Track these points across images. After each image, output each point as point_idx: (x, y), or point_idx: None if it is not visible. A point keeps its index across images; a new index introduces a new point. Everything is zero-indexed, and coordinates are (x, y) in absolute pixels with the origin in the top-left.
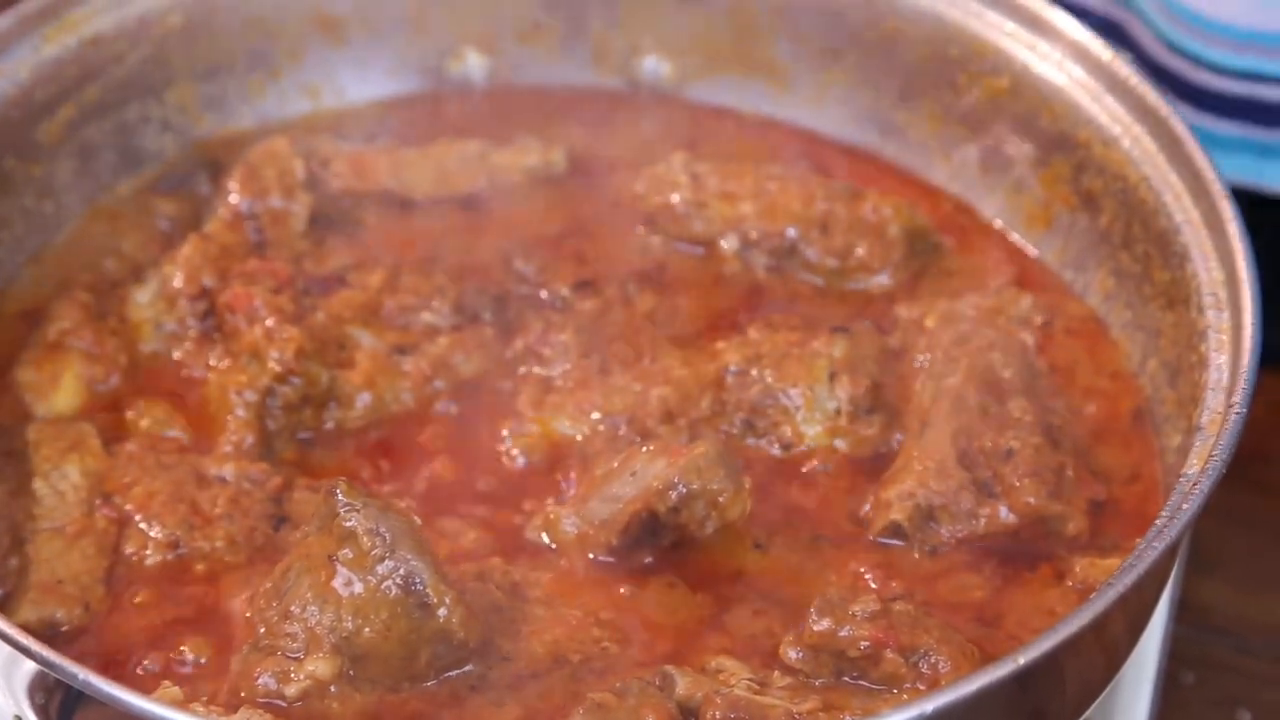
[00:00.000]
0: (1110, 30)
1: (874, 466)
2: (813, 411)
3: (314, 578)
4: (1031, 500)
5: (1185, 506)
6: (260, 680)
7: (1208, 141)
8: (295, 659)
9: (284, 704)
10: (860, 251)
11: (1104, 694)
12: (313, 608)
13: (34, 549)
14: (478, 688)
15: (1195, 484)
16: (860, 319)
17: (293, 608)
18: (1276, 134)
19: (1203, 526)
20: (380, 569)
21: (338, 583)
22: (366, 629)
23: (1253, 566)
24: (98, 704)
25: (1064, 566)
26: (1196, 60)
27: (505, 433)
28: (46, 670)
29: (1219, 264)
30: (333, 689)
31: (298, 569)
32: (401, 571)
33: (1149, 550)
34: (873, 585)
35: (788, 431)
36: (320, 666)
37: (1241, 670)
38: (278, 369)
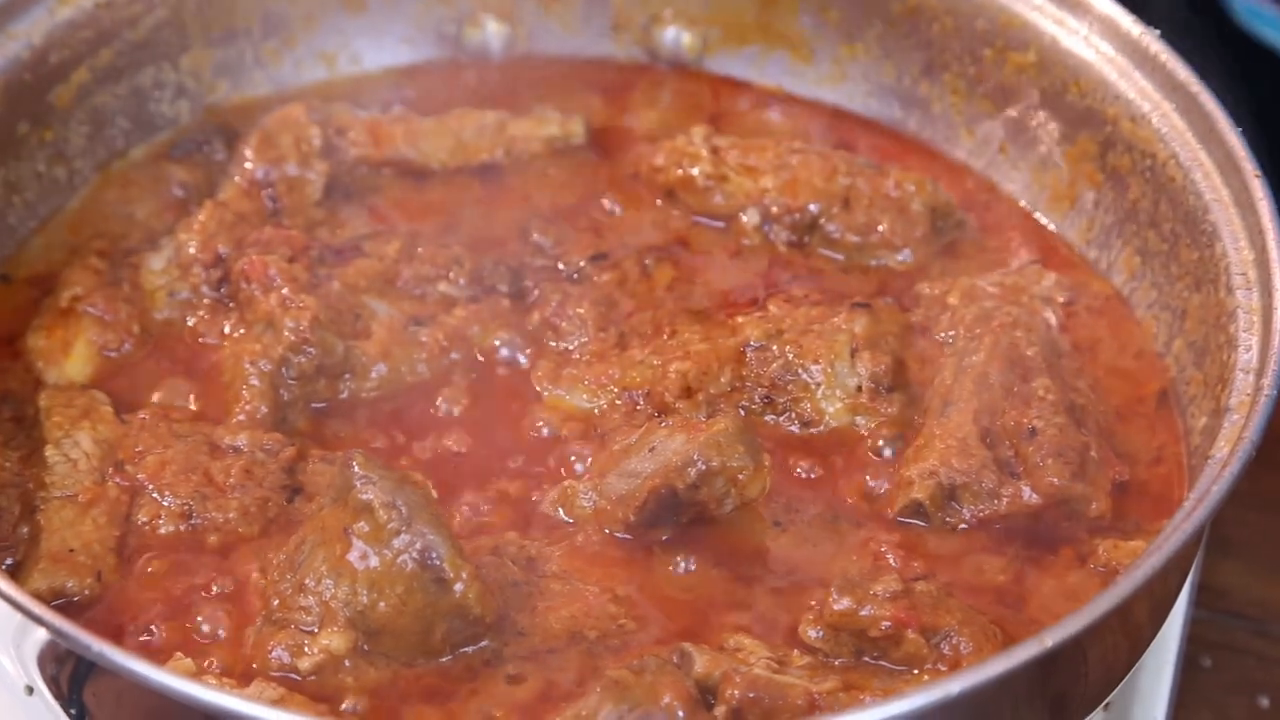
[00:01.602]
0: None
1: (895, 444)
2: (833, 388)
3: (329, 550)
4: (1055, 480)
5: (1214, 489)
6: (274, 653)
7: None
8: (309, 632)
9: (298, 677)
10: (883, 228)
11: (1125, 678)
12: (327, 581)
13: (45, 517)
14: (493, 663)
15: (1224, 466)
16: (882, 295)
17: (307, 580)
18: None
19: (1222, 509)
20: (396, 542)
21: (353, 556)
22: (382, 603)
23: (1272, 550)
24: (109, 674)
25: (1086, 549)
26: None
27: (521, 405)
28: (58, 639)
29: (1249, 243)
30: (347, 663)
31: (312, 541)
32: (418, 545)
33: (1176, 533)
34: (893, 565)
35: (808, 408)
36: (335, 640)
37: (1260, 654)
38: (292, 338)
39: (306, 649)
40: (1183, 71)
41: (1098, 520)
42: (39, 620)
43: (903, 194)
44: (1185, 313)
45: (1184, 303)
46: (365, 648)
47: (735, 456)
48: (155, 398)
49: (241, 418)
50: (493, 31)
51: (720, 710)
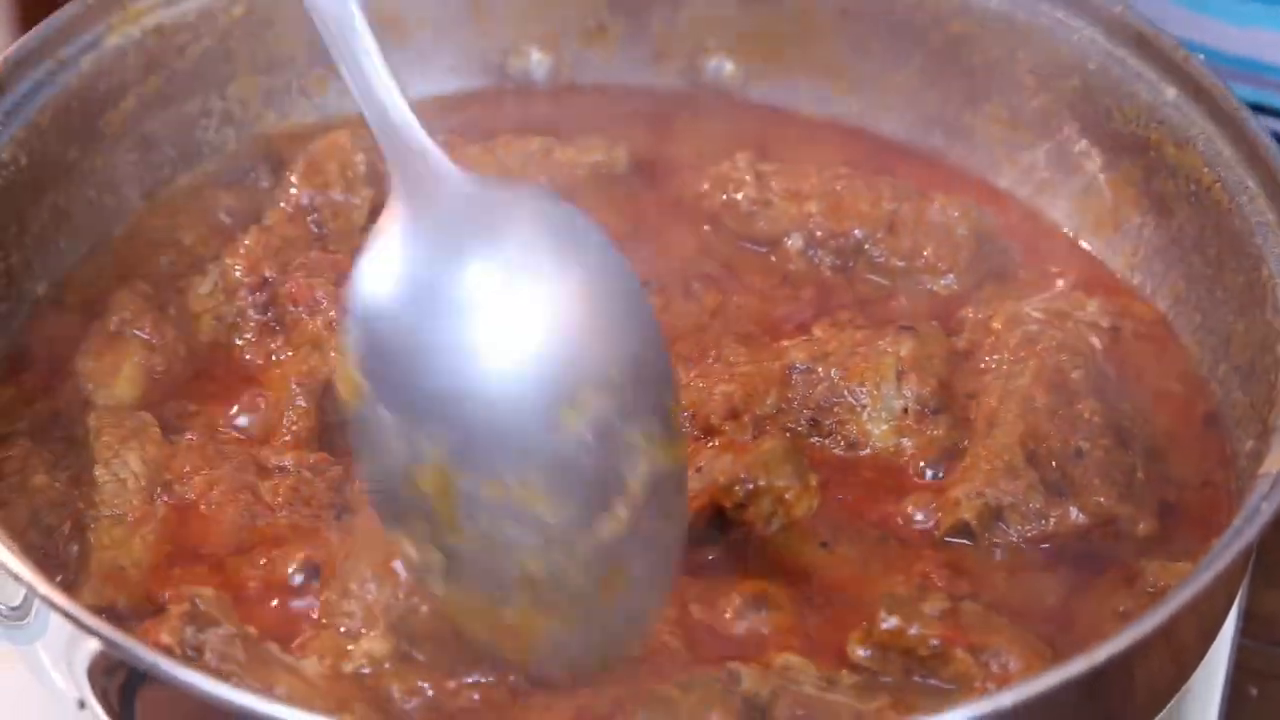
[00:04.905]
0: None
1: (941, 466)
2: (879, 410)
3: (373, 555)
4: (1102, 500)
5: (1264, 507)
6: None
7: None
8: (352, 637)
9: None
10: (927, 253)
11: (1171, 703)
12: (370, 585)
13: (95, 536)
14: (537, 679)
15: (1274, 485)
16: (927, 320)
17: (351, 585)
18: None
19: (1267, 537)
20: None
21: (398, 563)
22: (424, 607)
23: None
24: (159, 686)
25: (1133, 570)
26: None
27: None
28: (110, 650)
29: None
30: (387, 666)
31: (357, 549)
32: None
33: (1225, 552)
34: (940, 585)
35: (853, 430)
36: (376, 645)
37: None
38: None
39: (350, 650)
40: (1228, 97)
41: (1145, 541)
42: (91, 631)
43: (947, 219)
44: (1230, 337)
45: (1229, 327)
46: (408, 652)
47: (782, 476)
48: (202, 419)
49: (288, 438)
50: (537, 61)
51: None
